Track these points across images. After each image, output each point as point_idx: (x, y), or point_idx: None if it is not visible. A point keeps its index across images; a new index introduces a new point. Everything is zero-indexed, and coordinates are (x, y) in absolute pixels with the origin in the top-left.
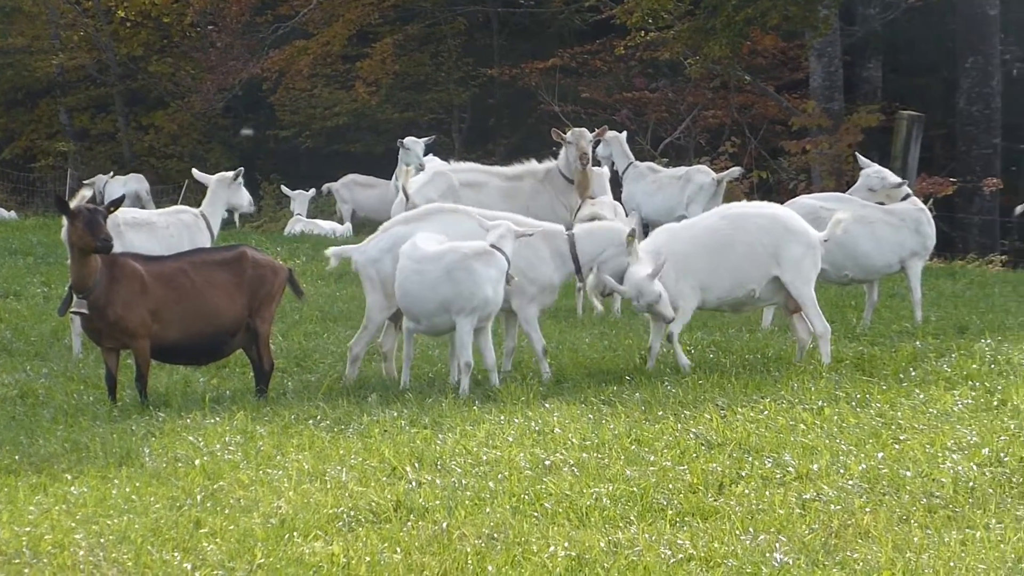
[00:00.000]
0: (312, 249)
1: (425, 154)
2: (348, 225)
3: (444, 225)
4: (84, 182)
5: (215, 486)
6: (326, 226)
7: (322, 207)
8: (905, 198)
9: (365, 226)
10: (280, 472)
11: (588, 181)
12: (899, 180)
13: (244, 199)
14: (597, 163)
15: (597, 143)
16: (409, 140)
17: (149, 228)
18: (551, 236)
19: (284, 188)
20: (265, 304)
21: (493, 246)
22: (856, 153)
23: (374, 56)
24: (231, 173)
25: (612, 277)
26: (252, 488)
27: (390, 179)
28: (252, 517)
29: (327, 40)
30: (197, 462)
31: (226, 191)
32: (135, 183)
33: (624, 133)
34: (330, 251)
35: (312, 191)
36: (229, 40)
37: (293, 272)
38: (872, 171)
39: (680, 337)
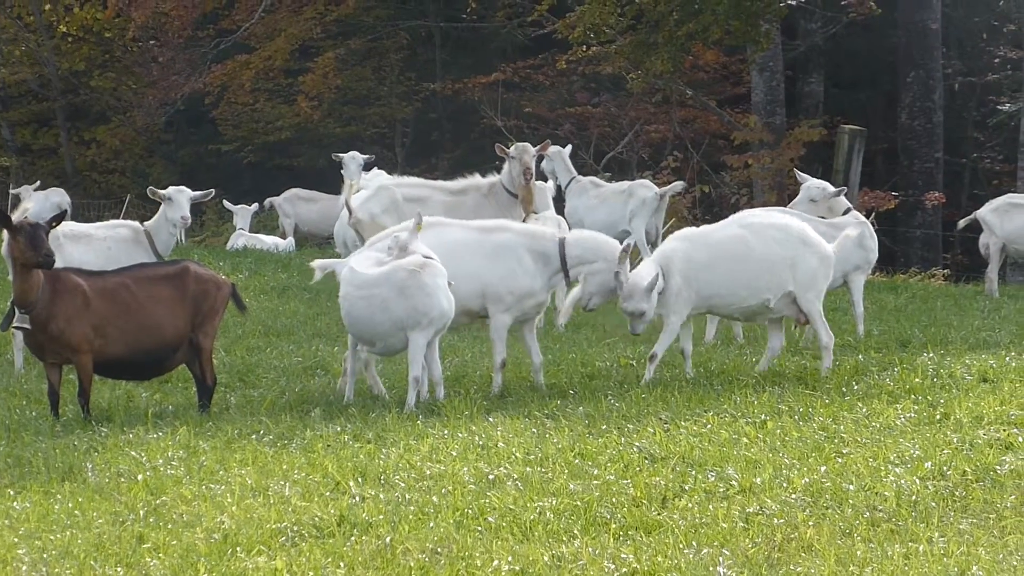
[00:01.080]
0: (254, 263)
1: (368, 168)
2: (291, 239)
3: (435, 237)
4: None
5: (158, 501)
6: (268, 240)
7: (265, 221)
8: (846, 212)
9: (307, 240)
10: (223, 487)
11: (532, 196)
12: (838, 189)
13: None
14: (542, 178)
15: (541, 158)
16: (348, 156)
17: (87, 240)
18: (536, 238)
19: (226, 203)
20: (208, 319)
21: (426, 255)
22: (795, 169)
23: (316, 71)
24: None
25: (597, 290)
26: (195, 503)
27: (332, 193)
28: (195, 532)
29: (269, 55)
30: (140, 477)
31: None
32: (56, 196)
33: (568, 148)
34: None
35: (255, 206)
36: (171, 55)
37: (236, 287)
38: (812, 183)
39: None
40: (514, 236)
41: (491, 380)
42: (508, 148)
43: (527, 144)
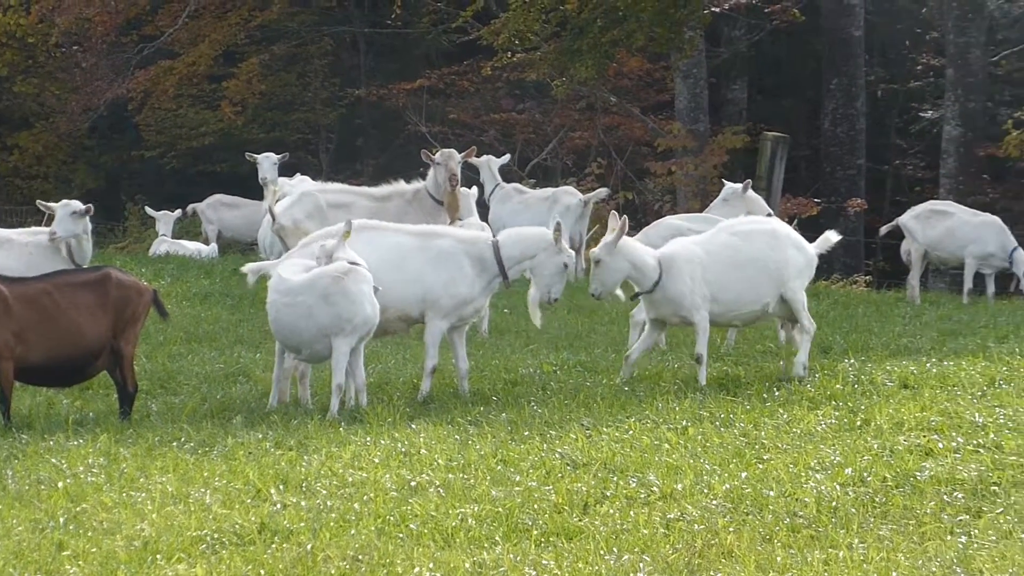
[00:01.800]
0: (177, 270)
1: (291, 173)
2: (214, 246)
3: (366, 241)
4: None
5: (78, 508)
6: (191, 247)
7: (187, 227)
8: (768, 216)
9: (231, 246)
10: (144, 494)
11: (458, 202)
12: (744, 184)
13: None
14: (467, 184)
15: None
16: (262, 156)
17: (9, 246)
18: (471, 243)
19: (148, 209)
20: (129, 325)
21: (352, 262)
22: (722, 178)
23: (240, 76)
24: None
25: (549, 278)
26: (115, 510)
27: (256, 199)
28: (115, 539)
29: (193, 60)
30: (60, 484)
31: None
32: None
33: (506, 157)
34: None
35: (177, 212)
36: (95, 61)
37: (158, 293)
38: (727, 187)
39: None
40: (454, 242)
41: (415, 387)
42: (433, 154)
43: (452, 151)
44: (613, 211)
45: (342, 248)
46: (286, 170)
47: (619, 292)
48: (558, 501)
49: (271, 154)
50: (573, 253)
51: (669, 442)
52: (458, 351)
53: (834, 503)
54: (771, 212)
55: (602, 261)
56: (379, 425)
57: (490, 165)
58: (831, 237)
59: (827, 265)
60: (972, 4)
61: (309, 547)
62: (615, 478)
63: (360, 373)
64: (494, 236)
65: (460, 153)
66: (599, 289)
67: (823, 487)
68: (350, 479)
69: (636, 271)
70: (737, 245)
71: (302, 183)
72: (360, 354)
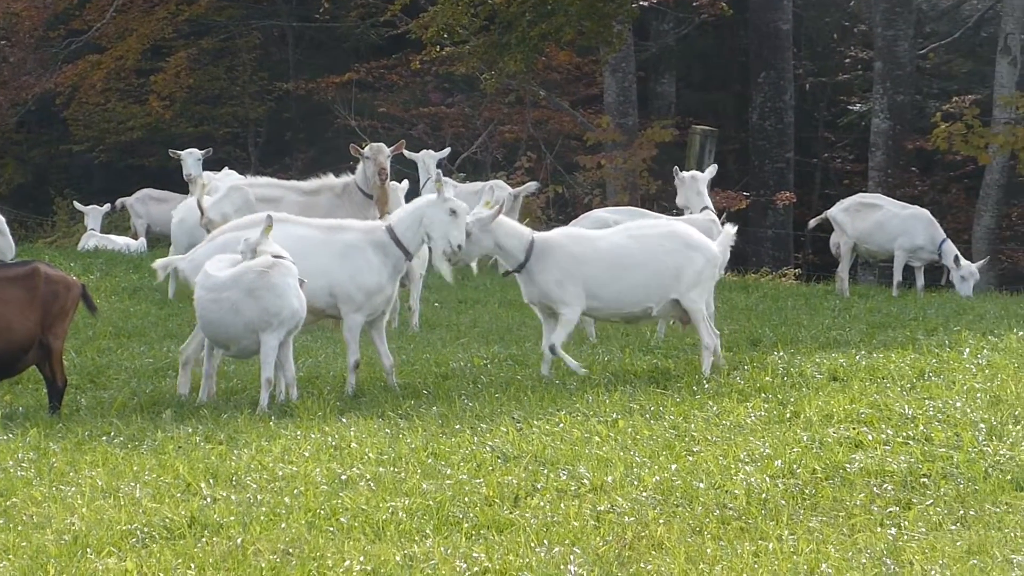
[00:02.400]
0: (106, 264)
1: (218, 168)
2: (142, 240)
3: (276, 232)
4: None
5: (8, 503)
6: (120, 241)
7: (116, 222)
8: (703, 210)
9: (160, 241)
10: (73, 488)
11: (387, 196)
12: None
13: None
14: (398, 178)
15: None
16: (185, 152)
17: None
18: (369, 232)
19: (76, 204)
20: (58, 320)
21: (277, 255)
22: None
23: (168, 70)
24: None
25: (442, 228)
26: (45, 505)
27: (184, 194)
28: (45, 534)
29: (120, 54)
30: None
31: None
32: None
33: (447, 151)
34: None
35: (106, 206)
36: (22, 55)
37: (86, 288)
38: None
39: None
40: (358, 234)
41: (345, 381)
42: (363, 148)
43: (382, 144)
44: (492, 185)
45: (266, 242)
46: (215, 164)
47: (473, 265)
48: (489, 494)
49: (194, 150)
50: (462, 204)
51: (599, 435)
52: (380, 348)
53: (764, 495)
54: (708, 206)
55: (472, 234)
56: (309, 419)
57: (427, 159)
58: (730, 231)
59: (756, 258)
60: None
61: (239, 541)
62: (546, 471)
63: (290, 367)
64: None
65: (389, 147)
66: (456, 256)
67: (753, 479)
68: (280, 473)
69: (500, 250)
70: (627, 247)
71: (228, 177)
72: (289, 348)
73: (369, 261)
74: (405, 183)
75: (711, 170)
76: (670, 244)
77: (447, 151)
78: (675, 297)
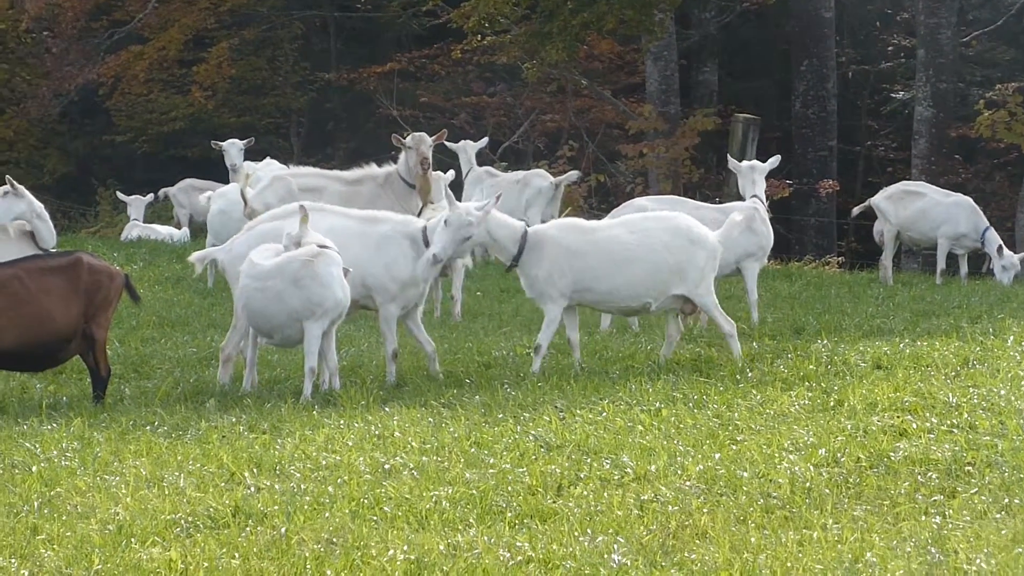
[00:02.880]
0: (149, 254)
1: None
2: (185, 230)
3: (313, 222)
4: None
5: (52, 493)
6: (163, 231)
7: (159, 212)
8: (751, 198)
9: (202, 231)
10: (118, 478)
11: (429, 185)
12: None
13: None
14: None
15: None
16: (227, 143)
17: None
18: (405, 224)
19: (119, 194)
20: (101, 310)
21: (322, 245)
22: (728, 156)
23: (210, 60)
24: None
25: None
26: (89, 494)
27: (227, 183)
28: (89, 523)
29: (163, 45)
30: (34, 468)
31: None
32: None
33: (484, 140)
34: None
35: (149, 196)
36: (65, 46)
37: (129, 277)
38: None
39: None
40: (394, 225)
41: (386, 369)
42: (404, 138)
43: (424, 134)
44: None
45: (309, 232)
46: (257, 155)
47: (468, 259)
48: (532, 483)
49: (236, 140)
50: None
51: (643, 424)
52: (418, 337)
53: (808, 484)
54: (756, 195)
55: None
56: (352, 408)
57: (467, 149)
58: (736, 219)
59: (799, 247)
60: None
61: (283, 530)
62: (589, 460)
63: (333, 356)
64: None
65: (431, 137)
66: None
67: (797, 468)
68: (324, 462)
69: (495, 244)
70: (626, 241)
71: (269, 167)
72: (332, 337)
73: (405, 253)
74: (451, 173)
75: (772, 161)
76: (672, 240)
77: (485, 140)
78: (679, 293)
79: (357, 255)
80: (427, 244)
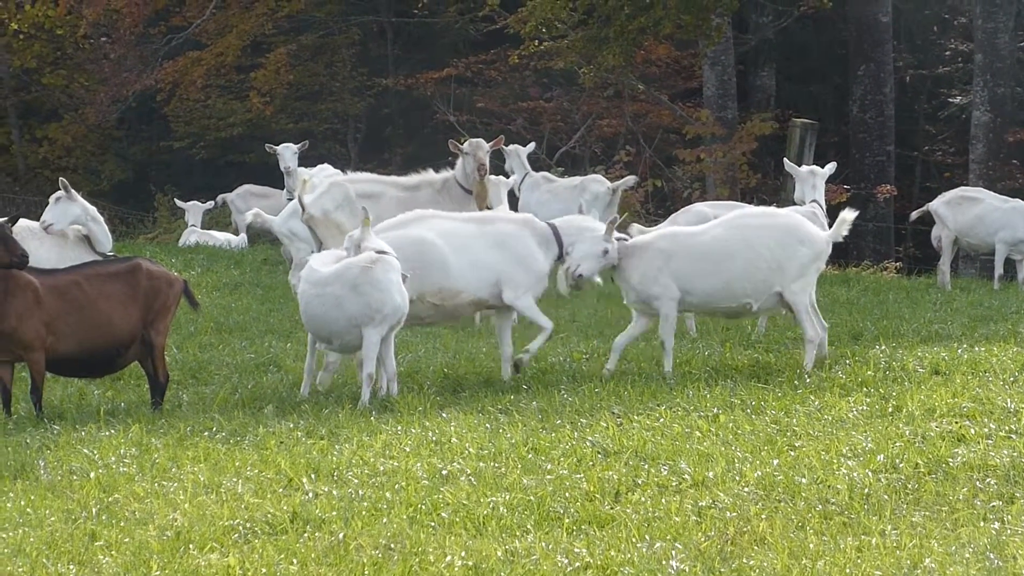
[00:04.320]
0: (207, 260)
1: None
2: (243, 236)
3: (427, 226)
4: None
5: (110, 499)
6: (221, 237)
7: (217, 218)
8: (811, 203)
9: (260, 237)
10: (175, 484)
11: (486, 191)
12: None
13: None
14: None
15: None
16: (282, 147)
17: (40, 237)
18: (527, 223)
19: (177, 200)
20: (160, 316)
21: (381, 251)
22: (784, 159)
23: (268, 66)
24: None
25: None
26: (147, 500)
27: (283, 189)
28: (147, 529)
29: (221, 51)
30: (92, 475)
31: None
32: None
33: (531, 145)
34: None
35: (208, 203)
36: (123, 52)
37: (188, 284)
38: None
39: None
40: (515, 224)
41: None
42: (461, 144)
43: (480, 140)
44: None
45: (370, 237)
46: (314, 160)
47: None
48: (589, 489)
49: (291, 144)
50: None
51: (700, 430)
52: (504, 336)
53: (866, 490)
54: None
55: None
56: (410, 414)
57: (519, 153)
58: (848, 217)
59: (857, 252)
60: None
61: (341, 536)
62: (646, 466)
63: (391, 362)
64: None
65: (488, 142)
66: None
67: (855, 474)
68: (381, 468)
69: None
70: (724, 239)
71: (323, 172)
72: (391, 343)
73: (530, 248)
74: (513, 178)
75: (830, 167)
76: (770, 236)
77: (532, 146)
78: (778, 290)
79: (480, 256)
80: (559, 242)
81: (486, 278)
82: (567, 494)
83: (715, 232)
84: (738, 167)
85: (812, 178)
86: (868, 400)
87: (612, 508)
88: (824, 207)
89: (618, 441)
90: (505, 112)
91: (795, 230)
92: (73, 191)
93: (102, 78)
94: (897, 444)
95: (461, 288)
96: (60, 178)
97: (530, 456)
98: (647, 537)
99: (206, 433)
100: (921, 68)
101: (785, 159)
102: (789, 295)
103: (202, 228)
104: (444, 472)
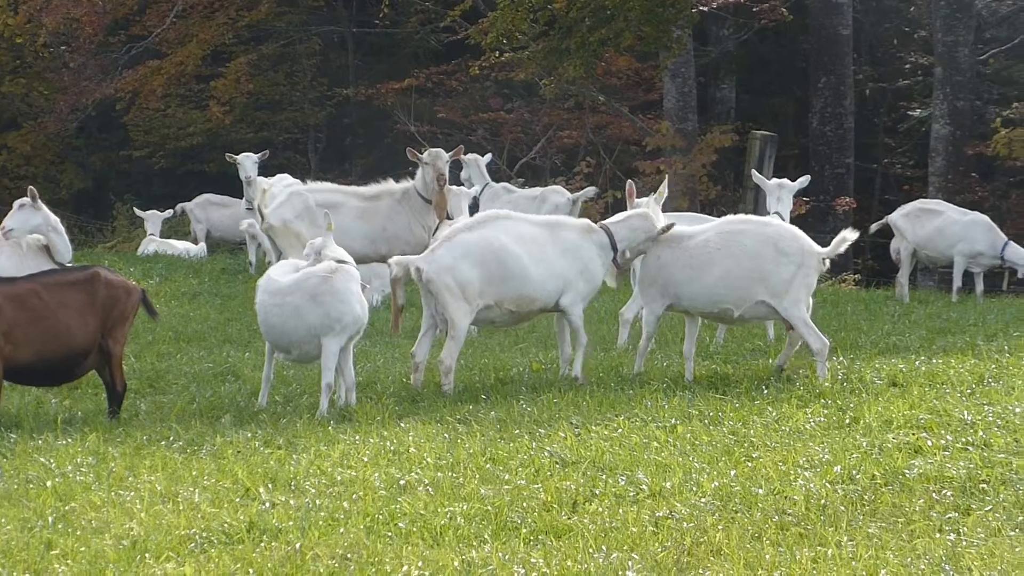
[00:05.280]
0: (166, 269)
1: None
2: (202, 245)
3: (503, 230)
4: None
5: (67, 507)
6: (180, 246)
7: (176, 227)
8: (772, 214)
9: (219, 246)
10: (132, 493)
11: (445, 201)
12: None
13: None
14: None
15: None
16: (242, 156)
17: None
18: (592, 231)
19: (136, 209)
20: (118, 325)
21: (341, 260)
22: (754, 172)
23: (228, 76)
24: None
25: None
26: (104, 509)
27: (241, 198)
28: (104, 538)
29: (181, 60)
30: (49, 483)
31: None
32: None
33: (488, 156)
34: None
35: (167, 211)
36: (83, 60)
37: (146, 292)
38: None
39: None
40: (577, 231)
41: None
42: (421, 154)
43: (440, 150)
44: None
45: (331, 245)
46: (275, 170)
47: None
48: (547, 499)
49: (251, 154)
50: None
51: (658, 440)
52: (566, 337)
53: (823, 501)
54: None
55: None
56: (368, 424)
57: (478, 163)
58: (848, 236)
59: None
60: (960, 2)
61: (298, 546)
62: (604, 476)
63: (350, 372)
64: None
65: (448, 152)
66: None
67: (812, 485)
68: (339, 478)
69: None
70: (709, 246)
71: (282, 182)
72: (350, 353)
73: (589, 253)
74: (475, 188)
75: (801, 181)
76: (755, 246)
77: (489, 156)
78: (762, 299)
79: (554, 265)
80: (614, 248)
81: (558, 287)
82: (524, 504)
83: (703, 237)
84: (698, 179)
85: (779, 191)
86: (825, 412)
87: (569, 518)
88: (787, 219)
89: (576, 451)
90: (466, 123)
91: (777, 241)
92: (40, 201)
93: (62, 87)
94: (854, 455)
95: (536, 296)
96: (29, 187)
97: (488, 466)
98: (604, 547)
99: (163, 442)
100: (881, 81)
101: (755, 171)
102: (783, 311)
103: (161, 237)
104: (402, 482)
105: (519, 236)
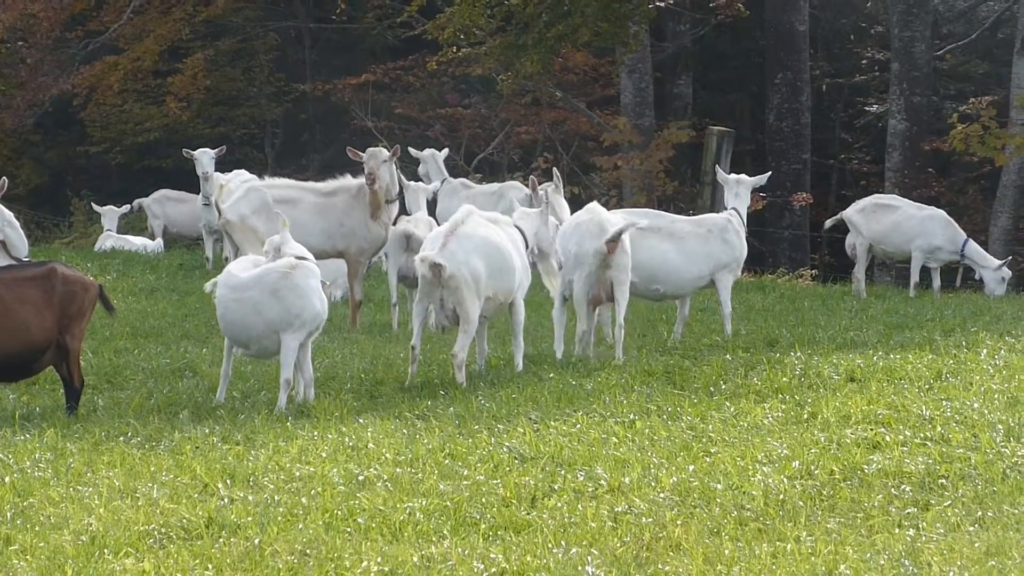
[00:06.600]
0: (123, 265)
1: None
2: (159, 240)
3: (484, 224)
4: None
5: (25, 503)
6: (137, 242)
7: (133, 223)
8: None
9: (177, 241)
10: (91, 489)
11: (379, 200)
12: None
13: None
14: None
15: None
16: (199, 151)
17: None
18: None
19: (93, 205)
20: (75, 320)
21: (300, 256)
22: (716, 167)
23: (185, 71)
24: None
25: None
26: (62, 505)
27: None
28: (62, 534)
29: (138, 56)
30: (7, 479)
31: None
32: None
33: (445, 151)
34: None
35: (124, 207)
36: (39, 56)
37: (103, 288)
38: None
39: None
40: (516, 230)
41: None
42: (361, 153)
43: (380, 149)
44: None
45: (289, 242)
46: (232, 165)
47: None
48: (506, 495)
49: (208, 149)
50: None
51: (617, 436)
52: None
53: (782, 496)
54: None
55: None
56: (327, 420)
57: (435, 159)
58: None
59: (773, 259)
60: None
61: (257, 541)
62: (563, 472)
63: (308, 368)
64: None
65: (387, 152)
66: None
67: (770, 480)
68: (297, 473)
69: None
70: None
71: (238, 177)
72: (308, 349)
73: (523, 252)
74: (435, 184)
75: (761, 177)
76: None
77: (446, 151)
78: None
79: (516, 255)
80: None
81: (519, 280)
82: (484, 500)
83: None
84: (655, 175)
85: (737, 186)
86: (784, 407)
87: (528, 514)
88: (743, 215)
89: (535, 447)
90: (423, 118)
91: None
92: None
93: (18, 82)
94: (812, 451)
95: (512, 288)
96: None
97: (447, 462)
98: (563, 543)
99: (121, 438)
100: (838, 76)
101: (717, 167)
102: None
103: (118, 233)
104: (361, 478)
105: (497, 232)
